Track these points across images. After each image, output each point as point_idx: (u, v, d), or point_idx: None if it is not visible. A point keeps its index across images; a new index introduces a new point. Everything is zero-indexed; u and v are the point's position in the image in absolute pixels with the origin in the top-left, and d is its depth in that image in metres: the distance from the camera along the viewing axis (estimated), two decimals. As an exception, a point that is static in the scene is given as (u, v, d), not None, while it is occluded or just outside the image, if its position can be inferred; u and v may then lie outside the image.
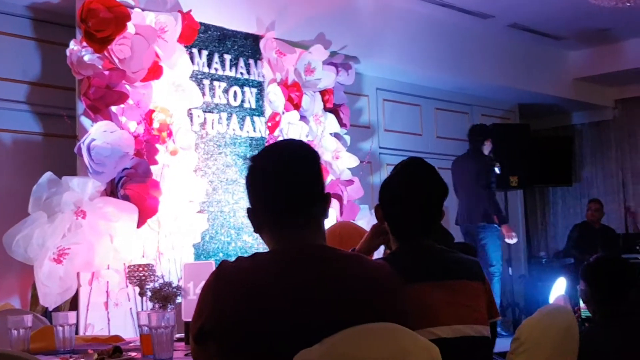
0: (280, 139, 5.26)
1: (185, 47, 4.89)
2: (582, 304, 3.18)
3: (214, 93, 5.15)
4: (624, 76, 8.87)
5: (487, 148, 6.73)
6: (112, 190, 4.31)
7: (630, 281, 2.89)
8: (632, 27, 7.84)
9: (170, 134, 4.65)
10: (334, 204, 5.60)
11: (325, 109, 5.87)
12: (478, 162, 6.60)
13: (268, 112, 5.45)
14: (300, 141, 1.93)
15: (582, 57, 8.76)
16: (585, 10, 7.15)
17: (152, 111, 4.59)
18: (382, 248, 2.51)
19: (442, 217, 2.26)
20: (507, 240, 6.56)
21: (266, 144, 5.27)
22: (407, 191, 2.21)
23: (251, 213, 1.79)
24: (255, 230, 1.80)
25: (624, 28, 7.89)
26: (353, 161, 5.90)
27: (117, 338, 3.09)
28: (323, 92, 5.85)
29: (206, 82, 5.11)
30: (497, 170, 6.65)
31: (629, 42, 8.37)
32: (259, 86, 5.45)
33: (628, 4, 5.36)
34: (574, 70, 8.82)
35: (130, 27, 4.47)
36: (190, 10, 4.84)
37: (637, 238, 8.02)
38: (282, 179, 1.73)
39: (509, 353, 2.24)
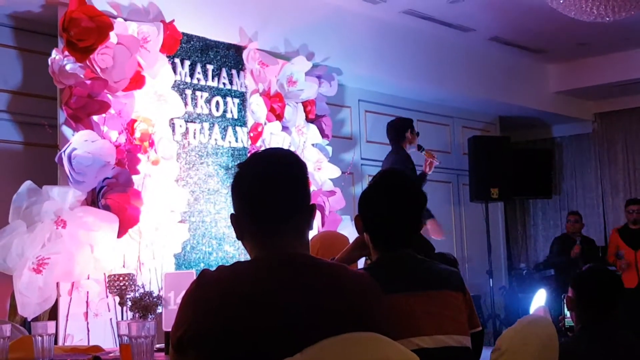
0: (262, 149, 5.26)
1: (168, 57, 4.88)
2: (567, 313, 3.17)
3: (196, 103, 5.14)
4: (604, 90, 8.97)
5: (408, 142, 6.27)
6: (93, 199, 4.29)
7: (618, 293, 2.91)
8: (611, 41, 7.94)
9: (152, 144, 4.64)
10: (316, 215, 5.59)
11: (308, 120, 5.88)
12: (395, 161, 6.06)
13: (250, 122, 5.45)
14: (288, 150, 1.92)
15: (562, 70, 8.84)
16: (565, 25, 7.23)
17: (134, 121, 4.57)
18: (363, 259, 2.52)
19: (421, 227, 2.28)
20: (432, 235, 6.06)
21: (248, 155, 5.26)
22: (385, 202, 2.23)
23: (235, 219, 1.78)
24: (238, 237, 1.79)
25: (603, 42, 7.98)
26: (335, 172, 5.90)
27: (97, 348, 3.06)
28: (305, 103, 5.86)
29: (188, 92, 5.10)
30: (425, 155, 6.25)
31: (608, 56, 8.47)
32: (242, 97, 5.45)
33: (607, 19, 5.42)
34: (554, 83, 8.91)
35: (113, 37, 4.46)
36: (173, 21, 4.84)
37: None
38: (267, 187, 1.72)
39: (489, 363, 2.25)
